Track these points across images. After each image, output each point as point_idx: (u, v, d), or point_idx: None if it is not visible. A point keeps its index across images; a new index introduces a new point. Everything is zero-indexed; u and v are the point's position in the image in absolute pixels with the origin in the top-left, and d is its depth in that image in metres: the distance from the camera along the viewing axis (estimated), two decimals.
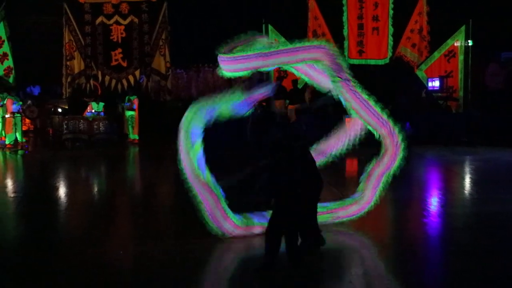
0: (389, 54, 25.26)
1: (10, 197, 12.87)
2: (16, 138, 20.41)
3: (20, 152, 19.41)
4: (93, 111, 21.62)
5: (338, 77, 8.69)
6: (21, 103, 21.52)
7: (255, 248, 8.45)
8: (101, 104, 21.90)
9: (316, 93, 21.78)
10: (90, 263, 8.07)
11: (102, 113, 21.64)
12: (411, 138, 17.75)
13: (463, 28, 24.38)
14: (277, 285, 7.33)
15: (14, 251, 8.91)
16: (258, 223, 8.94)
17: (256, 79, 10.95)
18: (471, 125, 22.22)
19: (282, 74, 23.69)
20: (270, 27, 24.30)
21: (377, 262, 8.23)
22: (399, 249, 8.79)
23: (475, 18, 23.93)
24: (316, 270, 7.76)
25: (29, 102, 22.43)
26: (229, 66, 9.23)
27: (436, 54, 24.90)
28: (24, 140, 20.87)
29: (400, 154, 9.00)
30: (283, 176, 7.51)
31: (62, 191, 13.83)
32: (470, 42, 24.31)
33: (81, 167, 17.93)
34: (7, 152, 19.66)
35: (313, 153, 8.90)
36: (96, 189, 14.76)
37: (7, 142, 20.50)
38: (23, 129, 21.75)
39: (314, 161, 8.41)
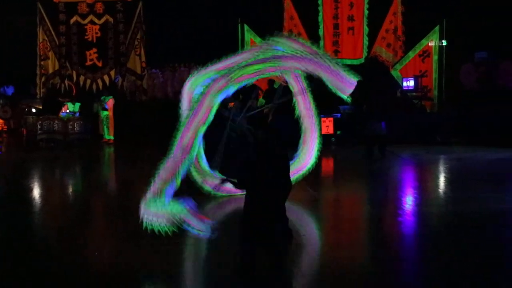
0: (365, 54, 25.40)
1: None
2: None
3: None
4: (68, 111, 21.45)
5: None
6: None
7: (234, 245, 8.46)
8: (77, 104, 21.75)
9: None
10: (65, 264, 8.00)
11: (77, 114, 21.49)
12: (385, 137, 17.97)
13: (437, 28, 24.61)
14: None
15: None
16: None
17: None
18: (445, 125, 22.44)
19: None
20: (245, 26, 24.31)
21: (352, 261, 8.24)
22: (374, 248, 8.82)
23: (449, 18, 24.15)
24: (289, 269, 7.76)
25: (1, 101, 22.20)
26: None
27: (411, 54, 25.12)
28: None
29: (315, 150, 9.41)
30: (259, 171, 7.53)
31: (36, 192, 13.69)
32: (444, 42, 24.54)
33: (55, 167, 17.77)
34: None
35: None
36: (71, 189, 14.63)
37: None
38: None
39: (288, 161, 8.44)
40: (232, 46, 24.36)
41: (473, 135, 21.45)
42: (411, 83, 24.63)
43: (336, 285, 7.33)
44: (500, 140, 20.55)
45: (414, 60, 25.14)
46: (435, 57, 24.91)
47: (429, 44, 24.97)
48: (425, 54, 25.10)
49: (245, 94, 18.46)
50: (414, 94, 24.63)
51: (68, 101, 22.03)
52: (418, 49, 25.09)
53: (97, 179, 15.91)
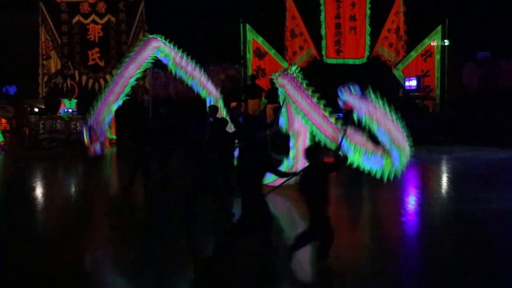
0: (367, 53, 25.34)
1: None
2: None
3: None
4: (65, 108, 21.57)
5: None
6: None
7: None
8: (74, 101, 21.84)
9: None
10: (67, 263, 8.00)
11: (75, 111, 21.58)
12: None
13: (439, 27, 24.57)
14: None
15: None
16: None
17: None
18: (447, 124, 22.42)
19: (260, 73, 23.70)
20: (248, 26, 24.29)
21: (355, 260, 8.25)
22: (376, 248, 8.83)
23: (451, 17, 24.12)
24: (296, 270, 7.77)
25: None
26: None
27: (413, 54, 25.08)
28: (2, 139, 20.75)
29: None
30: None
31: (38, 192, 13.71)
32: (446, 42, 24.50)
33: (57, 167, 17.80)
34: None
35: None
36: (72, 189, 14.65)
37: None
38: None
39: None
40: (234, 45, 24.40)
41: (475, 135, 21.43)
42: (413, 82, 24.59)
43: (335, 284, 7.35)
44: (502, 140, 20.53)
45: (416, 60, 25.10)
46: (437, 57, 24.87)
47: (431, 44, 24.93)
48: (427, 53, 25.06)
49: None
50: (416, 94, 24.59)
51: (64, 98, 22.18)
52: (420, 48, 25.05)
53: (98, 178, 15.93)
